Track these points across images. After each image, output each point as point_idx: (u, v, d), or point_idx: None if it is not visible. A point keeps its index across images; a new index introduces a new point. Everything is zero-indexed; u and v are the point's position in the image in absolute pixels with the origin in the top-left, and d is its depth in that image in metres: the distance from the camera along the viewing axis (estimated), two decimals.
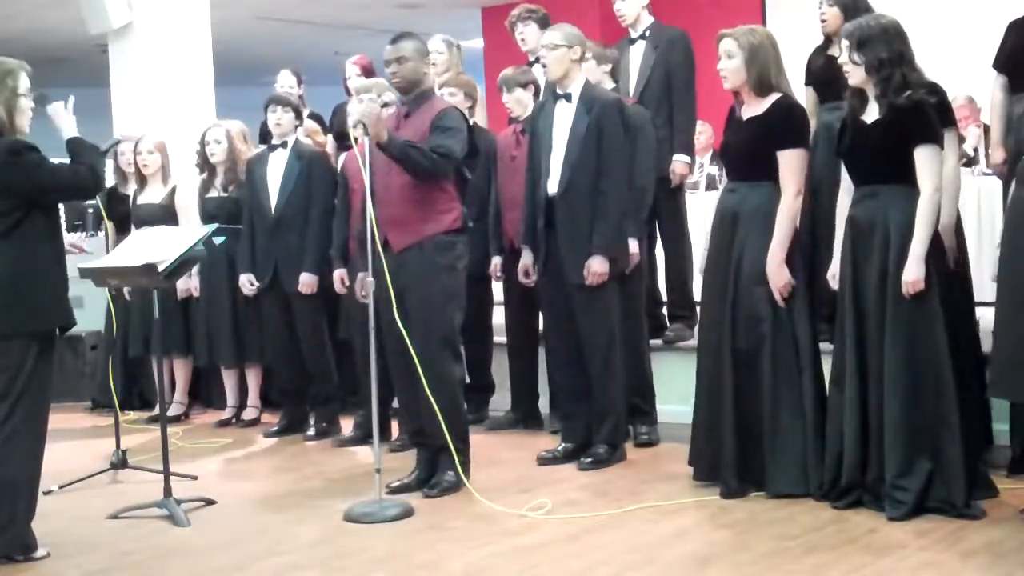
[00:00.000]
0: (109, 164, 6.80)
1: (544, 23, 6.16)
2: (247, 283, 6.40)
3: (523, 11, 6.38)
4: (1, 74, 4.12)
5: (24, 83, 4.17)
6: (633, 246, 5.39)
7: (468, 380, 5.77)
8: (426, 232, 4.79)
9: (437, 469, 4.89)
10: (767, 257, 4.48)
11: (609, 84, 5.65)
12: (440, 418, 4.67)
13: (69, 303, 4.23)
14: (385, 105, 4.88)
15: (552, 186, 5.18)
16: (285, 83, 7.40)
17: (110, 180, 7.10)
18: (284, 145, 6.33)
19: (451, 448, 4.72)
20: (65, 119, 4.30)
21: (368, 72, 7.00)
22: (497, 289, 6.33)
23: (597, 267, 5.09)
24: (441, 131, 4.78)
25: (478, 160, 5.46)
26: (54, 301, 4.15)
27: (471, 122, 5.41)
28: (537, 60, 5.80)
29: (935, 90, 4.61)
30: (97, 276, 4.89)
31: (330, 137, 7.21)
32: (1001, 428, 4.82)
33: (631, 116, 5.33)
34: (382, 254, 4.65)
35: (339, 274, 6.03)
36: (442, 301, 4.80)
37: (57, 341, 4.21)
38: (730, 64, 4.55)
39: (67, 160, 4.22)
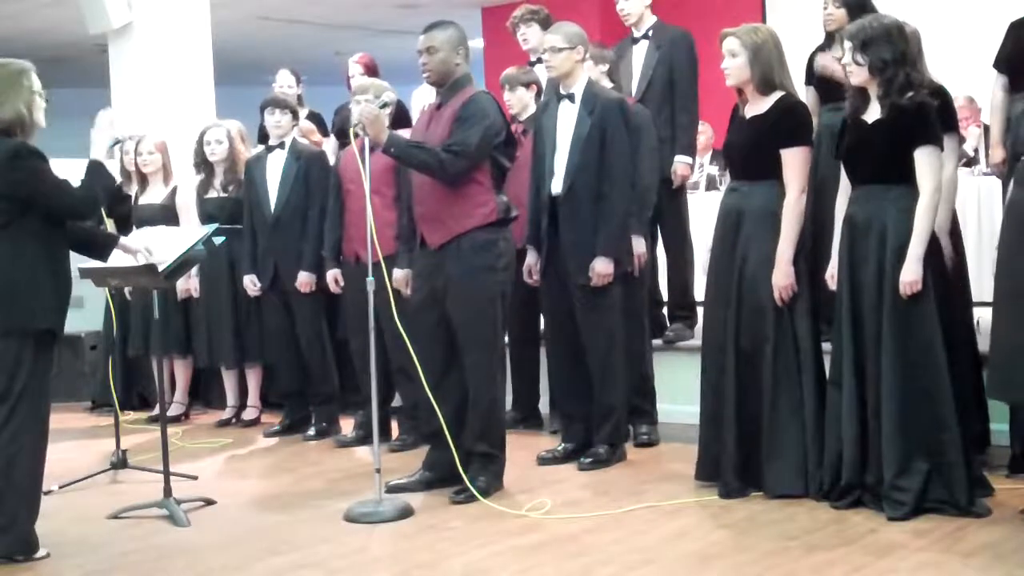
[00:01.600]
0: (114, 164, 6.79)
1: (546, 23, 6.15)
2: (251, 284, 6.39)
3: (525, 12, 6.38)
4: (15, 75, 4.13)
5: (37, 81, 4.18)
6: (639, 245, 5.39)
7: None
8: (461, 227, 4.66)
9: (445, 471, 4.84)
10: (775, 257, 4.46)
11: (606, 84, 5.64)
12: (474, 422, 4.69)
13: (62, 307, 4.15)
14: (384, 106, 4.86)
15: (556, 186, 5.17)
16: (284, 83, 7.40)
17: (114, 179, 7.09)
18: (282, 146, 6.33)
19: (479, 454, 4.74)
20: (100, 138, 4.32)
21: (371, 71, 6.99)
22: None
23: (601, 268, 5.08)
24: (460, 123, 4.64)
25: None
26: (44, 301, 4.08)
27: None
28: (539, 60, 5.80)
29: (940, 92, 4.64)
30: (97, 276, 4.88)
31: (332, 136, 7.21)
32: (999, 428, 4.83)
33: (633, 116, 5.32)
34: (381, 258, 4.63)
35: (332, 274, 6.03)
36: (482, 306, 4.68)
37: (55, 342, 4.19)
38: (734, 63, 4.54)
39: (68, 159, 4.22)
